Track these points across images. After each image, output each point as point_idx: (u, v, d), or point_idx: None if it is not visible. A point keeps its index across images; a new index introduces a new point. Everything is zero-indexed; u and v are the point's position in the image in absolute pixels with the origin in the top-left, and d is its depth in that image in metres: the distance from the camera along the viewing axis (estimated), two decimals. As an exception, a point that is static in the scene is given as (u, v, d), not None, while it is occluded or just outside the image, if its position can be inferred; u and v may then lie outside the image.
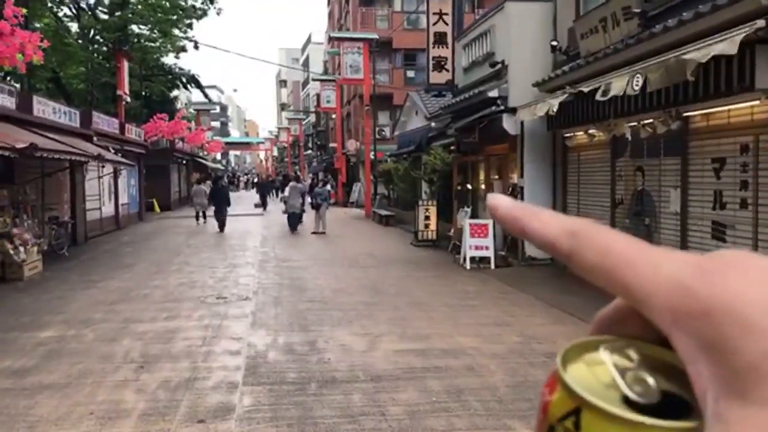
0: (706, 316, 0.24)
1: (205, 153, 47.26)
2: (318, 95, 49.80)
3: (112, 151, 18.36)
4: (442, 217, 15.83)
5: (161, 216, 26.12)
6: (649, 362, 0.28)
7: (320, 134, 54.42)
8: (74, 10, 30.49)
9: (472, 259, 11.54)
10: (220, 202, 18.69)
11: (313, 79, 36.80)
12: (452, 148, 16.50)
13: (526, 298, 8.87)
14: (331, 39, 32.48)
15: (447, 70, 15.03)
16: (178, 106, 43.70)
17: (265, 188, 32.50)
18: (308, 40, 68.39)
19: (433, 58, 15.03)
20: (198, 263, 12.34)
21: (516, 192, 11.93)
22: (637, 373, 0.27)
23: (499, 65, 11.80)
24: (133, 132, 22.42)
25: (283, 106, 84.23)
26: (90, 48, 29.73)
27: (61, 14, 30.84)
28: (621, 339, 0.30)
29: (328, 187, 19.89)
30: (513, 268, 11.43)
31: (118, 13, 30.27)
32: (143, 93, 31.20)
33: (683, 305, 0.25)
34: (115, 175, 19.98)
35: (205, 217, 21.21)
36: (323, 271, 11.16)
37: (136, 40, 32.06)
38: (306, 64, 64.77)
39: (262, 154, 75.14)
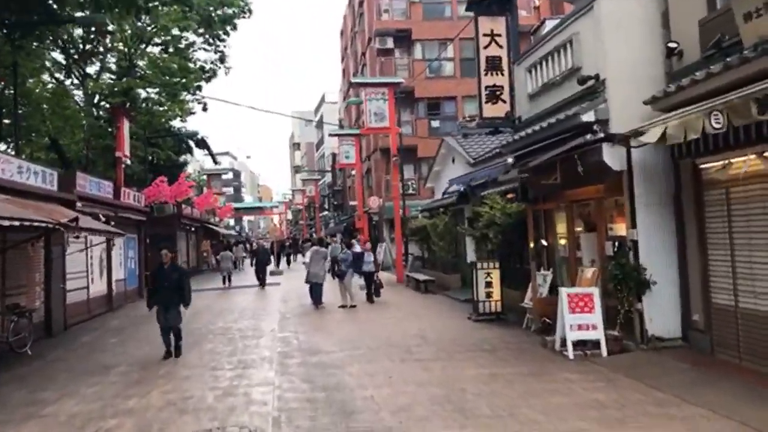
0: None
1: (217, 219, 44.75)
2: (334, 154, 47.64)
3: (103, 218, 15.55)
4: (504, 282, 12.62)
5: (166, 290, 23.05)
6: None
7: (337, 194, 51.93)
8: (79, 77, 28.66)
9: (574, 343, 8.27)
10: (164, 297, 9.50)
11: (331, 134, 34.45)
12: (509, 196, 13.50)
13: (703, 414, 5.57)
14: (352, 85, 30.24)
15: (504, 101, 12.17)
16: (188, 170, 41.58)
17: (262, 257, 22.95)
18: (322, 100, 67.15)
19: (486, 87, 12.19)
20: (196, 362, 9.16)
21: (626, 248, 8.77)
22: None
23: (592, 81, 8.89)
24: (131, 197, 19.71)
25: (297, 169, 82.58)
26: (94, 114, 27.63)
27: (68, 82, 29.11)
28: None
29: (356, 248, 16.79)
30: (633, 355, 8.13)
31: (125, 78, 28.38)
32: (150, 158, 28.87)
33: None
34: (108, 246, 17.11)
35: (230, 280, 22.86)
36: (369, 371, 7.92)
37: (143, 104, 30.08)
38: (320, 124, 63.26)
39: (276, 218, 72.89)
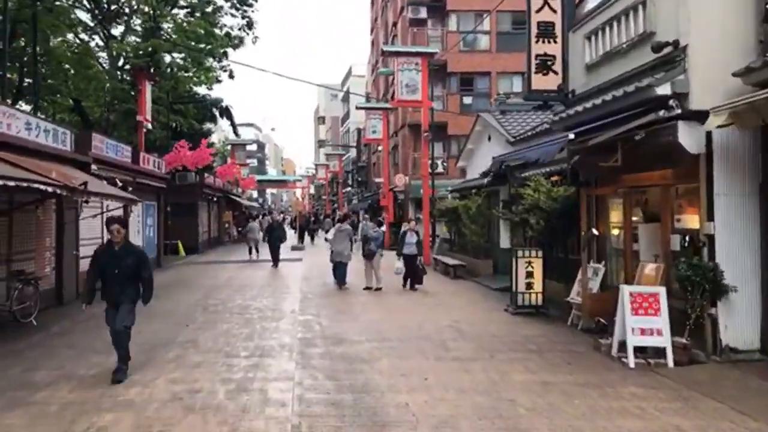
0: None
1: (240, 190, 44.14)
2: (359, 129, 46.51)
3: (120, 183, 14.82)
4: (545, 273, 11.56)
5: (185, 261, 22.49)
6: None
7: (361, 170, 50.99)
8: (104, 39, 27.89)
9: (636, 349, 7.24)
10: (113, 290, 6.92)
11: (359, 107, 33.29)
12: (554, 178, 12.38)
13: (815, 454, 4.55)
14: (383, 54, 28.96)
15: (555, 72, 11.01)
16: (213, 140, 40.89)
17: (277, 233, 20.07)
18: (348, 74, 65.85)
19: (537, 56, 11.02)
20: (210, 345, 8.35)
21: (698, 244, 7.67)
22: None
23: (670, 48, 7.71)
24: (151, 162, 18.97)
25: (321, 143, 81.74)
26: (118, 76, 26.89)
27: (92, 44, 28.39)
28: None
29: (383, 228, 15.87)
30: (705, 367, 7.08)
31: (150, 40, 27.52)
32: (173, 126, 28.09)
33: None
34: (126, 212, 16.38)
35: (258, 251, 22.95)
36: (400, 369, 7.01)
37: (168, 69, 29.23)
38: (346, 98, 62.01)
39: (299, 192, 72.34)
